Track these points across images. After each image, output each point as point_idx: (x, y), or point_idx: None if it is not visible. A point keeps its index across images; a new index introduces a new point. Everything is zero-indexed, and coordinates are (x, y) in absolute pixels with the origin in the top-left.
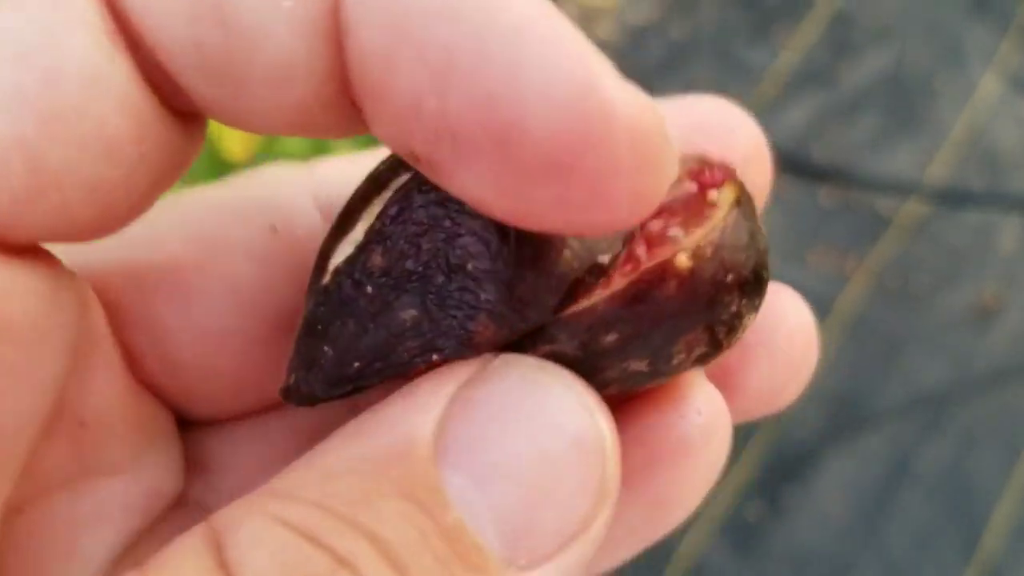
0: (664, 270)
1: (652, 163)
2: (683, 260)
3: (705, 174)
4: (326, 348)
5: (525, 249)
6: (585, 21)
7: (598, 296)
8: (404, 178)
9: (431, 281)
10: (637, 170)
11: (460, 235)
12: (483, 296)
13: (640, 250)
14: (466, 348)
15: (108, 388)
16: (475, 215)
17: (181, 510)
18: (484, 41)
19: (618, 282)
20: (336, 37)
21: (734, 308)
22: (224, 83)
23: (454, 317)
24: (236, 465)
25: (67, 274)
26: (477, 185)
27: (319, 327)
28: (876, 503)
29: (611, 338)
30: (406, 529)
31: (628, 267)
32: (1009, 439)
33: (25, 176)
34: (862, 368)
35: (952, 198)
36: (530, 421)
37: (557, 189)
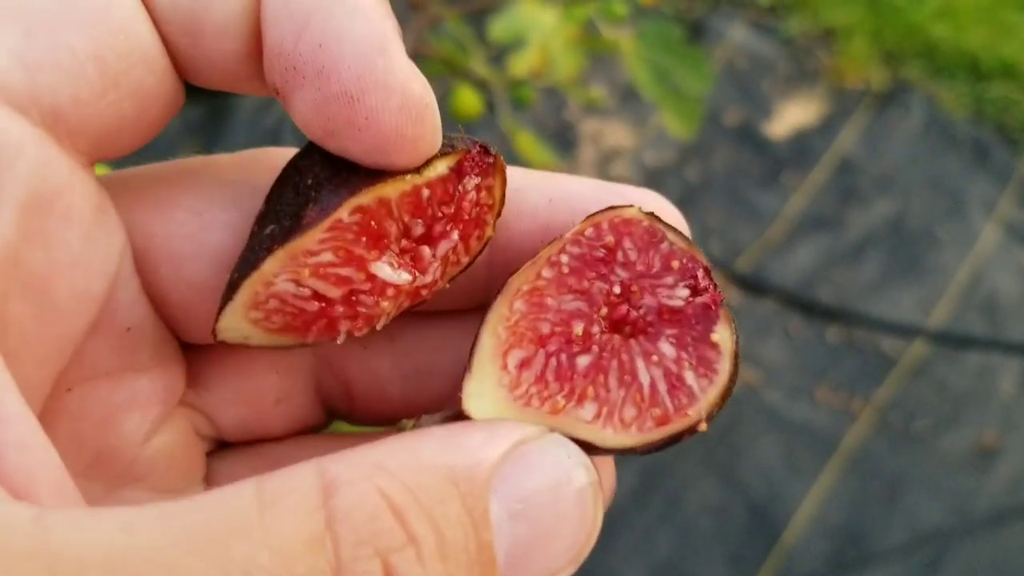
0: (691, 429)
1: (414, 113)
2: (704, 426)
3: (699, 283)
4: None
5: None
6: (604, 161)
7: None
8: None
9: (283, 200)
10: (401, 113)
11: (300, 169)
12: (312, 195)
13: (663, 393)
14: (297, 225)
15: (144, 301)
16: (306, 163)
17: (183, 408)
18: (330, 10)
19: (650, 427)
20: (257, 5)
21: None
22: (188, 34)
23: (294, 213)
24: (218, 380)
25: (106, 195)
26: (304, 106)
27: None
28: None
29: None
30: (458, 531)
31: (657, 418)
32: None
33: (98, 80)
34: (866, 505)
35: (954, 341)
36: (556, 488)
37: (347, 115)
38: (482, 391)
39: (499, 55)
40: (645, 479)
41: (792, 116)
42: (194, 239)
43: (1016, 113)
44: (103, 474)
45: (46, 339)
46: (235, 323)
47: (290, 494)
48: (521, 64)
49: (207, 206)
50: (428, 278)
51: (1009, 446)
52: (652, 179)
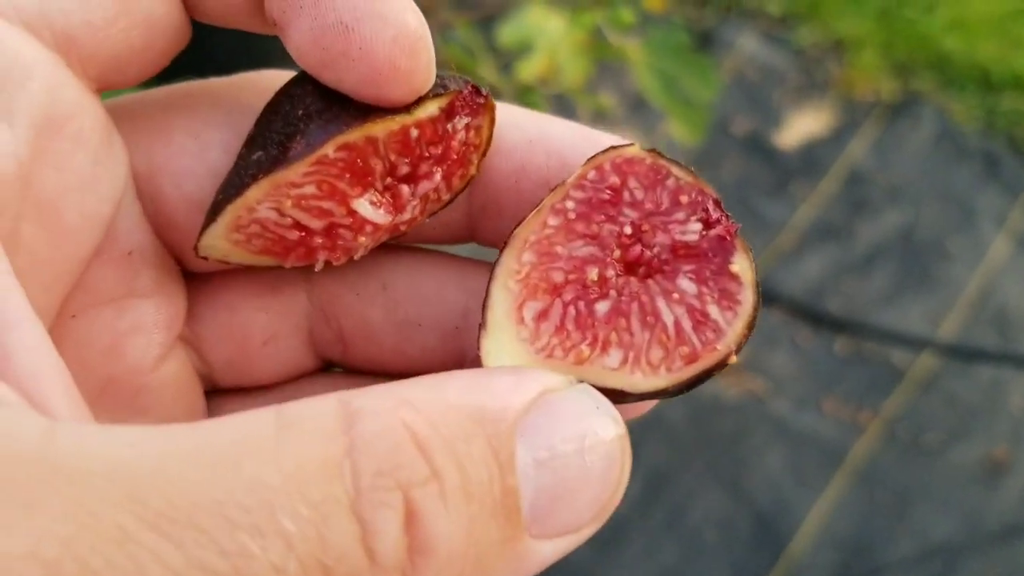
0: (721, 363)
1: (408, 46)
2: (734, 358)
3: (711, 215)
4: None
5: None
6: None
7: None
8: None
9: (272, 127)
10: (395, 45)
11: (292, 97)
12: (301, 126)
13: (688, 329)
14: (283, 156)
15: (145, 226)
16: (299, 92)
17: (181, 343)
18: None
19: (680, 367)
20: None
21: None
22: None
23: (281, 142)
24: (209, 315)
25: (111, 121)
26: (300, 36)
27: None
28: None
29: None
30: (483, 471)
31: (686, 356)
32: None
33: (111, 6)
34: (874, 517)
35: (963, 354)
36: (583, 440)
37: (341, 45)
38: (500, 347)
39: (509, 63)
40: (649, 488)
41: (802, 126)
42: (193, 159)
43: None
44: (110, 404)
45: (55, 261)
46: (217, 242)
47: (310, 419)
48: (528, 70)
49: (204, 127)
50: (406, 215)
51: (1019, 461)
52: None
